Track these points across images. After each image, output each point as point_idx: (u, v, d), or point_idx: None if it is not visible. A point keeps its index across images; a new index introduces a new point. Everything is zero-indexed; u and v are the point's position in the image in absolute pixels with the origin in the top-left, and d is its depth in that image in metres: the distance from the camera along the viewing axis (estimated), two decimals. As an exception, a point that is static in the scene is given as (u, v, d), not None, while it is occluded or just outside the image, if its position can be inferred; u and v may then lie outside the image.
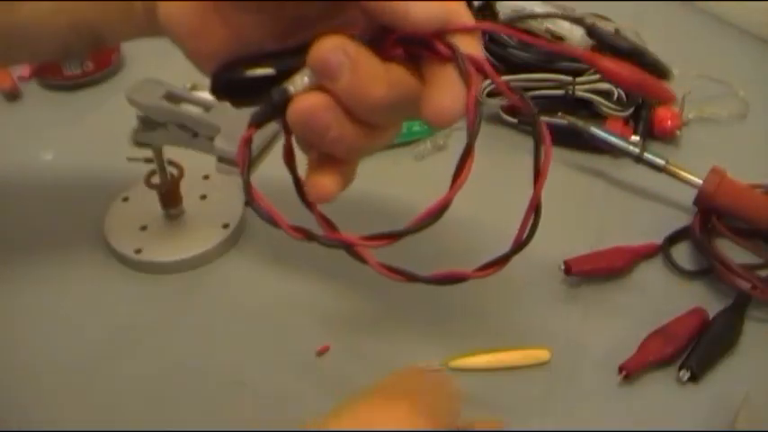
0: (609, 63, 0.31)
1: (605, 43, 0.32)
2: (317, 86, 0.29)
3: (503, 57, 0.59)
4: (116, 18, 0.35)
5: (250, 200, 0.31)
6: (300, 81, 0.29)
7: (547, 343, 0.42)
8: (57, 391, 0.41)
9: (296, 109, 0.29)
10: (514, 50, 0.59)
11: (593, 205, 0.53)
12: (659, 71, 0.31)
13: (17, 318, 0.45)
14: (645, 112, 0.57)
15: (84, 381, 0.41)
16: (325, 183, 0.31)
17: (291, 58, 0.30)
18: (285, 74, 0.30)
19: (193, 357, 0.43)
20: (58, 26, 0.35)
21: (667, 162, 0.51)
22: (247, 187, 0.31)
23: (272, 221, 0.30)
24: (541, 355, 0.42)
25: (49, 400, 0.40)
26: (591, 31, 0.31)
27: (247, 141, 0.31)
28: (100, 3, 0.35)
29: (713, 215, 0.48)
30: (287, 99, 0.29)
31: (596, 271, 0.46)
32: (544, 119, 0.57)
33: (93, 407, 0.40)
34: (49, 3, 0.34)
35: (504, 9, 0.62)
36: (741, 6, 0.72)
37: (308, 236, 0.31)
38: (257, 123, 0.30)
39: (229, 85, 0.32)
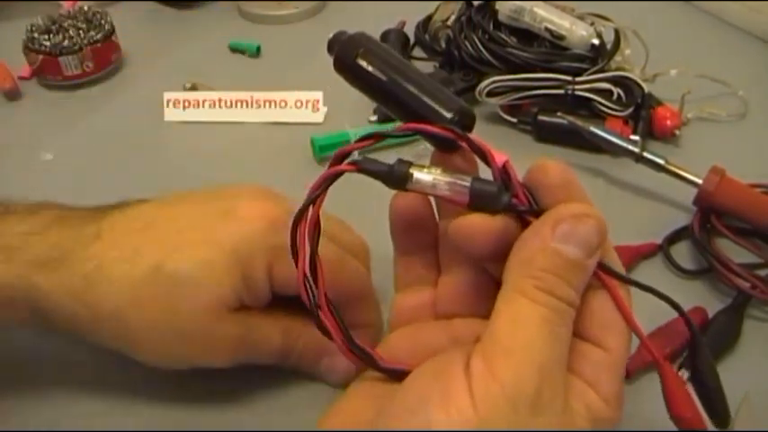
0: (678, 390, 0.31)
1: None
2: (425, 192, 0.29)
3: (502, 56, 0.59)
4: None
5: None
6: (426, 175, 0.28)
7: (546, 342, 0.42)
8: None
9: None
10: (514, 50, 0.59)
11: (593, 205, 0.53)
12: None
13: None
14: (644, 112, 0.57)
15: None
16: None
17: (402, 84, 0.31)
18: (394, 88, 0.31)
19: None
20: None
21: (667, 161, 0.51)
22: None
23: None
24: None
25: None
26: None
27: (333, 178, 0.29)
28: None
29: (713, 215, 0.48)
30: (403, 178, 0.28)
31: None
32: (544, 118, 0.58)
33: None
34: None
35: (503, 9, 0.62)
36: (741, 6, 0.72)
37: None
38: (361, 169, 0.29)
39: (342, 64, 0.32)
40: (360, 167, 0.28)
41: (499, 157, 0.29)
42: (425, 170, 0.28)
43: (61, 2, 0.79)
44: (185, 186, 0.50)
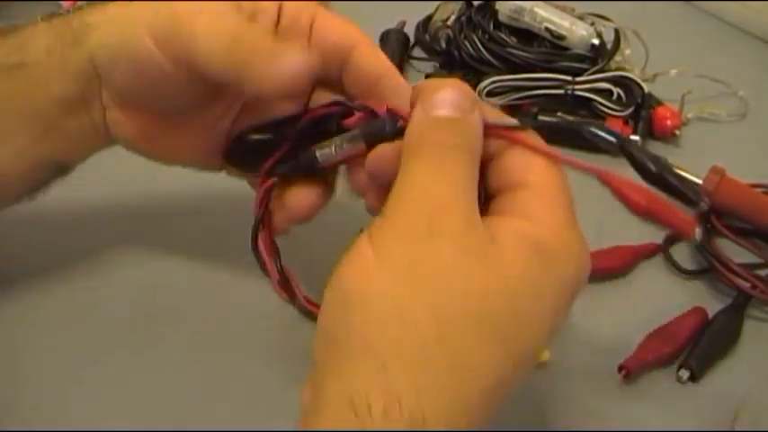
0: (623, 186, 0.30)
1: (634, 161, 0.31)
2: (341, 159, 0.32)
3: (502, 56, 0.59)
4: (77, 144, 0.37)
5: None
6: (327, 148, 0.31)
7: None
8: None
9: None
10: (514, 50, 0.59)
11: (593, 205, 0.53)
12: (685, 198, 0.31)
13: (16, 323, 0.45)
14: (644, 112, 0.57)
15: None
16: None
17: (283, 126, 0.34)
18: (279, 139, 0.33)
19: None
20: (22, 168, 0.36)
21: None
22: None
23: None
24: (541, 354, 0.42)
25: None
26: (622, 146, 0.31)
27: (268, 192, 0.33)
28: (61, 136, 0.36)
29: (713, 215, 0.48)
30: (311, 161, 0.31)
31: (596, 270, 0.46)
32: (544, 118, 0.58)
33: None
34: (9, 146, 0.35)
35: (503, 9, 0.62)
36: (741, 6, 0.72)
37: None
38: (280, 176, 0.32)
39: (239, 150, 0.35)
40: (279, 174, 0.32)
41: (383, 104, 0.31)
42: (325, 144, 0.31)
43: (61, 2, 0.79)
44: (185, 186, 0.50)
